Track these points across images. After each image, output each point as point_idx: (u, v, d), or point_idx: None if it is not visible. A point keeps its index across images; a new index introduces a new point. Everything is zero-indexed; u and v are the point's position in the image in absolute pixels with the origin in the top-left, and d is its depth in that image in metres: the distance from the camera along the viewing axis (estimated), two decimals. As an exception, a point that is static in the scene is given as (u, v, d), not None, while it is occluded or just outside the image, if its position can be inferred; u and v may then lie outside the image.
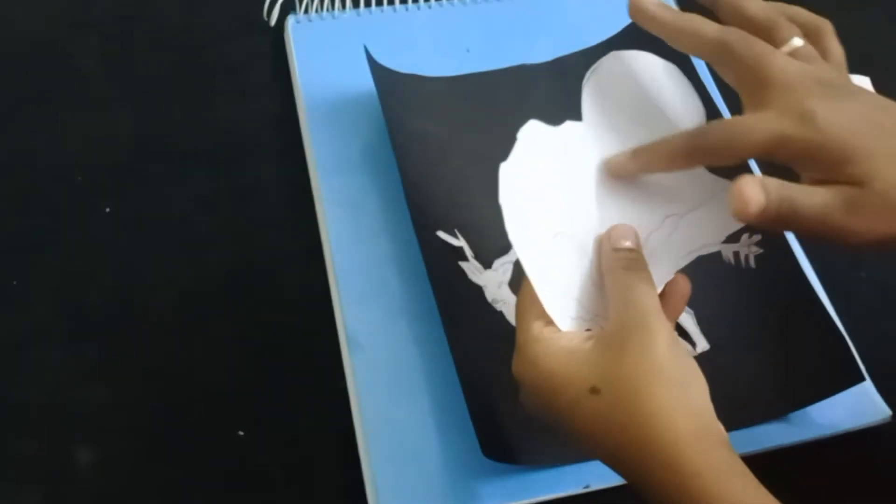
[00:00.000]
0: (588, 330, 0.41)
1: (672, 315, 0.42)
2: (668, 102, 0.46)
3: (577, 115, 0.61)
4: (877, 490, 0.50)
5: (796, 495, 0.50)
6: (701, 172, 0.45)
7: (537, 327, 0.40)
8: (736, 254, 0.55)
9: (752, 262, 0.54)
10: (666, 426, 0.36)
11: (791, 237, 0.56)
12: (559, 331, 0.40)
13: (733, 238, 0.47)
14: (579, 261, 0.42)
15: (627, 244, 0.42)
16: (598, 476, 0.48)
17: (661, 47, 0.62)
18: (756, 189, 0.38)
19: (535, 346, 0.40)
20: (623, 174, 0.44)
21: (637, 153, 0.43)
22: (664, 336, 0.38)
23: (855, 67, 0.67)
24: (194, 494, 0.48)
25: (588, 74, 0.46)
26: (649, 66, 0.47)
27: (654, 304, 0.39)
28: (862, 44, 0.69)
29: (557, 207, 0.43)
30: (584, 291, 0.42)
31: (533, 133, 0.44)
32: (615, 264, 0.41)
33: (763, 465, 0.50)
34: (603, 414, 0.37)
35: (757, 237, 0.54)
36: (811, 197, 0.39)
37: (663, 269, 0.43)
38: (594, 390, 0.37)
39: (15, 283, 0.54)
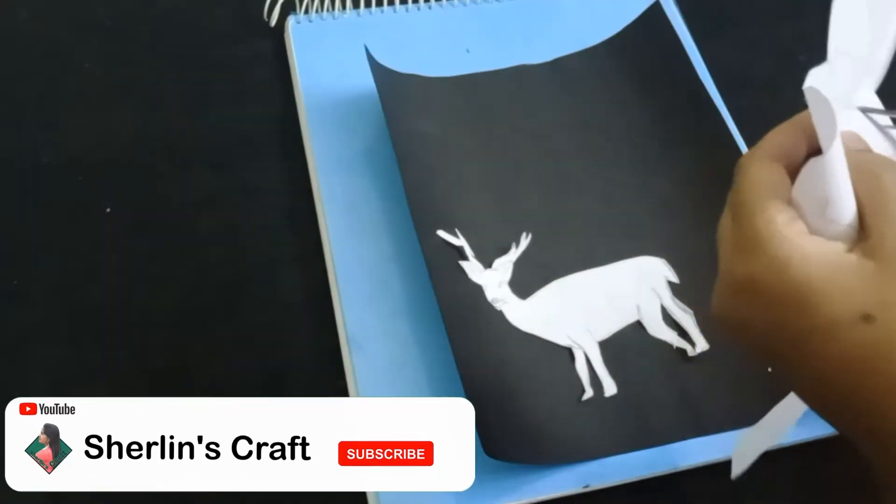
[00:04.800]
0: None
1: None
2: None
3: (577, 115, 0.62)
4: (876, 489, 0.50)
5: (797, 494, 0.50)
6: None
7: (782, 222, 0.32)
8: None
9: None
10: None
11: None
12: (805, 231, 0.33)
13: None
14: None
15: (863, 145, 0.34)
16: (598, 475, 0.48)
17: (658, 48, 0.63)
18: None
19: (786, 245, 0.32)
20: None
21: None
22: None
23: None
24: (195, 495, 0.48)
25: None
26: None
27: None
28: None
29: None
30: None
31: None
32: (875, 161, 0.33)
33: (763, 465, 0.50)
34: (873, 348, 0.30)
35: None
36: None
37: None
38: (867, 318, 0.30)
39: (15, 282, 0.54)
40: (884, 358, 0.30)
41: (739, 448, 0.44)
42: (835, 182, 0.32)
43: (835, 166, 0.32)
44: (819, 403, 0.33)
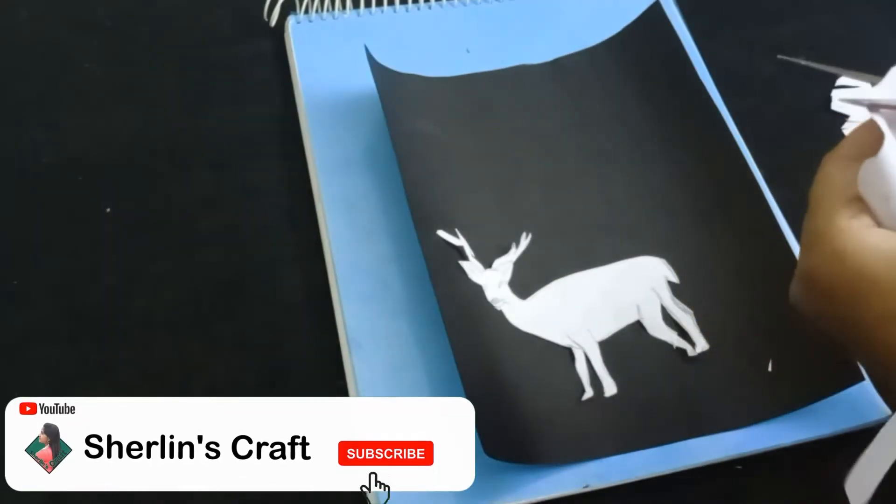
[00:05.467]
0: None
1: None
2: None
3: (577, 115, 0.62)
4: (875, 490, 0.50)
5: (796, 495, 0.50)
6: None
7: (845, 217, 0.34)
8: None
9: None
10: None
11: (791, 237, 0.56)
12: (871, 225, 0.34)
13: None
14: None
15: None
16: (598, 475, 0.48)
17: (658, 48, 0.63)
18: None
19: (841, 237, 0.33)
20: None
21: None
22: None
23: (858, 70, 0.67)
24: (195, 495, 0.48)
25: None
26: None
27: None
28: (864, 45, 0.69)
29: None
30: None
31: None
32: None
33: (763, 465, 0.50)
34: None
35: None
36: None
37: None
38: None
39: (15, 283, 0.54)
40: None
41: (855, 477, 0.41)
42: (893, 175, 0.33)
43: (890, 161, 0.33)
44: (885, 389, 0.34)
